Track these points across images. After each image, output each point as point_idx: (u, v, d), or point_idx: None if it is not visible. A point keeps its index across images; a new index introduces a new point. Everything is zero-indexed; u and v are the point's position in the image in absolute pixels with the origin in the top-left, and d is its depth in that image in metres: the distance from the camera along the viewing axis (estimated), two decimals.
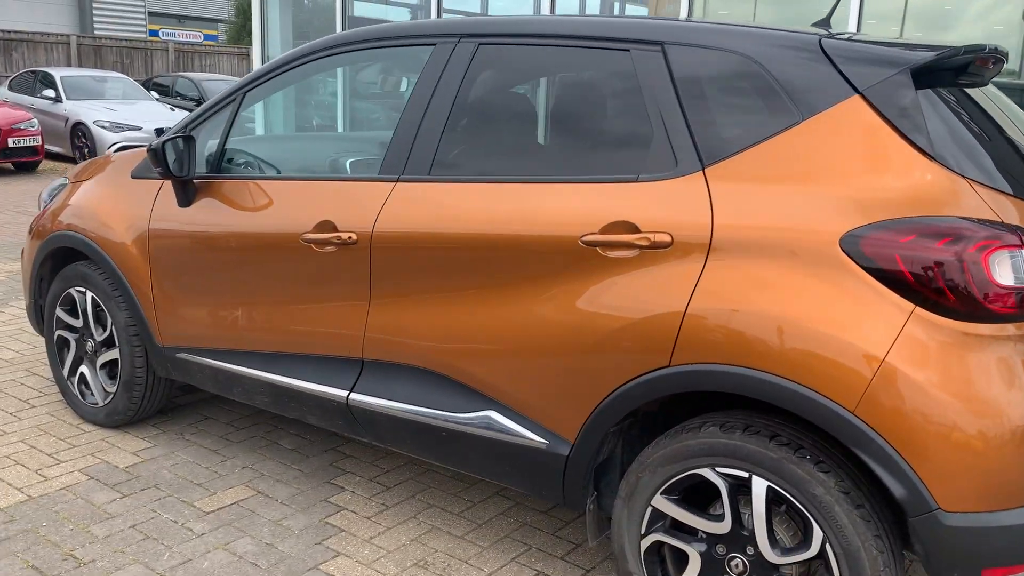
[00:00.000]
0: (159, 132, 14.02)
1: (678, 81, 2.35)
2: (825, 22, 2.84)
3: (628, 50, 2.46)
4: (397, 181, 2.78)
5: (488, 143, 2.74)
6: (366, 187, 2.85)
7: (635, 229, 2.29)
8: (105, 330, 3.68)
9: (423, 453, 2.83)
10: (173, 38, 29.63)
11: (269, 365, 3.14)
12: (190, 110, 15.53)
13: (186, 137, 3.16)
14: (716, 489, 2.25)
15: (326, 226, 2.87)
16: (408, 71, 3.72)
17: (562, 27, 2.61)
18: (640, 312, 2.27)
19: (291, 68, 3.17)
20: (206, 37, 36.65)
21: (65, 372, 3.90)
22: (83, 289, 3.70)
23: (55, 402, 4.06)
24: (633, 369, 2.29)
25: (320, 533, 3.00)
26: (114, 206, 3.55)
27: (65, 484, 3.28)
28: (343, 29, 8.75)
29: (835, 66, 2.17)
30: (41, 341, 4.93)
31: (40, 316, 4.03)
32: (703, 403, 2.43)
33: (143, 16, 28.98)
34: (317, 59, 3.12)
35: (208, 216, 3.22)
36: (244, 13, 31.95)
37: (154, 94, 15.67)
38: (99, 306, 3.68)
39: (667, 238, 2.24)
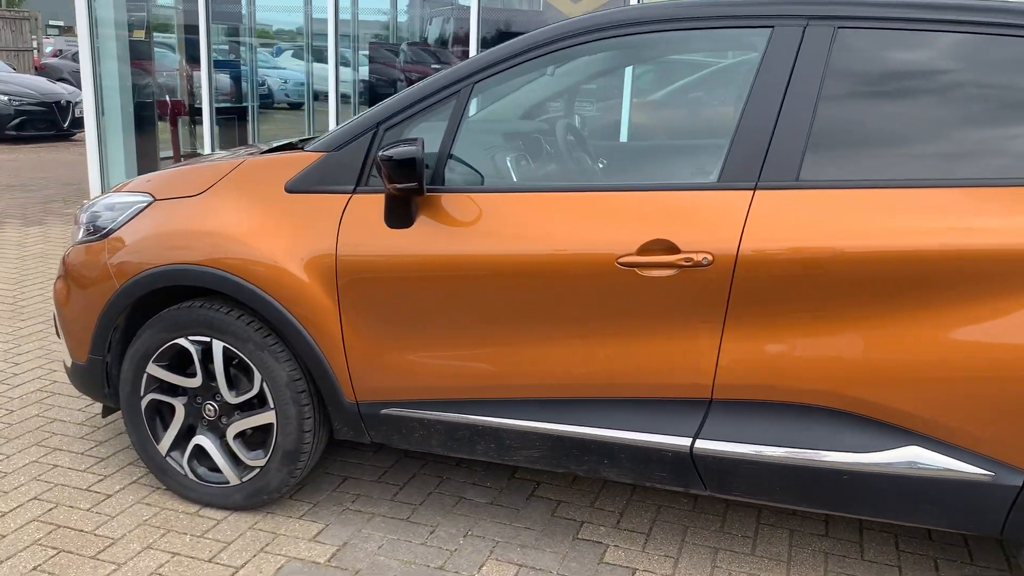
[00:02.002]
0: None
1: None
2: None
3: None
4: (755, 189, 2.38)
5: (881, 144, 2.39)
6: (707, 197, 2.41)
7: None
8: (245, 390, 2.85)
9: (802, 501, 2.47)
10: None
11: (549, 414, 2.60)
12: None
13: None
14: None
15: (659, 246, 2.39)
16: (715, 57, 3.21)
17: (955, 11, 2.34)
18: None
19: (543, 54, 2.60)
20: None
21: (164, 447, 3.00)
22: (206, 338, 2.84)
23: (132, 484, 3.12)
24: None
25: None
26: (269, 230, 2.74)
27: None
28: None
29: None
30: (28, 402, 3.78)
31: (105, 378, 3.05)
32: None
33: None
34: (585, 43, 2.58)
35: (447, 239, 2.56)
36: None
37: None
38: (233, 359, 2.85)
39: None
